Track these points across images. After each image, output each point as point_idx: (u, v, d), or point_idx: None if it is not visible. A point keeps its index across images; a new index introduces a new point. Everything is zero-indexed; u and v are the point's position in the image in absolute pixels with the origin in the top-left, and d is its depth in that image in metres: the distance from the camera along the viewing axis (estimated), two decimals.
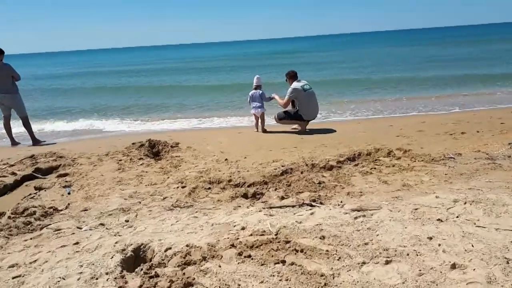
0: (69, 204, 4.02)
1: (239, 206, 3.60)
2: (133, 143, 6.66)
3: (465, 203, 3.24)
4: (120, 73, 29.37)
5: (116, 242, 2.92)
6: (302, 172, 4.62)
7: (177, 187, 4.29)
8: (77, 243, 2.98)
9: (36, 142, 8.06)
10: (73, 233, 3.20)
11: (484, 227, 2.72)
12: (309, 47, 65.78)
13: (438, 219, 2.94)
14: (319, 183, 4.07)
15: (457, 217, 2.96)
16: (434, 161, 4.72)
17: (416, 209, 3.22)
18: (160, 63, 41.16)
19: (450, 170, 4.31)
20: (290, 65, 25.93)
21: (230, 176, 4.57)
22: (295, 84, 7.31)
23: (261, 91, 7.52)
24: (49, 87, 21.59)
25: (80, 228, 3.30)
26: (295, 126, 7.59)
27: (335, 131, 7.22)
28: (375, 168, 4.54)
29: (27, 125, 8.05)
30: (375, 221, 3.01)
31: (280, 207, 3.46)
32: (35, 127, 8.86)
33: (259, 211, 3.40)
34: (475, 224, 2.80)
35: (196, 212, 3.52)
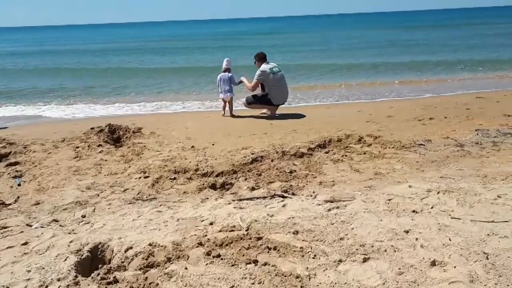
0: (18, 197, 3.67)
1: (207, 198, 3.41)
2: (91, 128, 6.27)
3: (438, 192, 3.22)
4: (82, 52, 27.80)
5: (70, 242, 2.66)
6: (272, 160, 4.47)
7: (139, 178, 4.03)
8: (26, 243, 2.69)
9: None
10: (22, 232, 2.90)
11: (459, 219, 2.68)
12: (286, 27, 65.52)
13: (413, 211, 2.88)
14: (290, 172, 3.94)
15: (432, 208, 2.92)
16: (404, 148, 4.70)
17: (390, 199, 3.16)
18: (124, 42, 39.39)
19: (421, 158, 4.30)
20: (260, 47, 25.69)
21: (197, 165, 4.36)
22: (264, 67, 7.09)
23: (230, 74, 7.25)
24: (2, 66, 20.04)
25: (30, 226, 2.99)
26: (264, 110, 7.41)
27: (304, 116, 7.11)
28: (346, 156, 4.46)
29: None
30: (349, 213, 2.92)
31: (251, 198, 3.29)
32: None
33: (229, 203, 3.23)
34: (450, 215, 2.75)
35: (160, 205, 3.29)
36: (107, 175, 4.22)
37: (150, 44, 34.00)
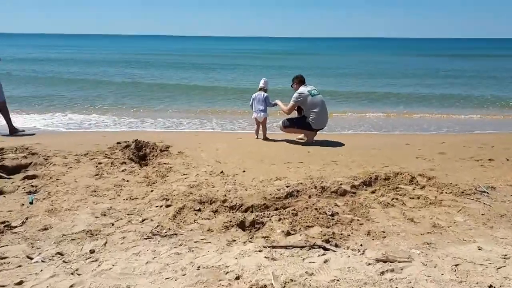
0: (27, 218, 3.37)
1: (234, 241, 2.96)
2: (117, 143, 6.02)
3: None
4: (121, 62, 28.43)
5: (71, 286, 2.27)
6: (310, 197, 4.00)
7: (161, 206, 3.64)
8: (20, 282, 2.33)
9: (13, 131, 7.39)
10: (20, 266, 2.55)
11: None
12: (305, 48, 65.55)
13: (490, 286, 2.31)
14: (332, 214, 3.44)
15: None
16: (464, 194, 4.10)
17: (457, 265, 2.60)
18: (158, 55, 40.19)
19: (487, 209, 3.69)
20: (291, 68, 25.55)
21: (225, 195, 3.94)
22: (302, 89, 6.69)
23: (266, 94, 6.88)
24: (30, 73, 20.33)
25: (31, 258, 2.64)
26: (301, 136, 6.97)
27: (344, 145, 6.60)
28: (397, 199, 3.91)
29: (3, 111, 7.37)
30: (408, 280, 2.39)
31: (286, 247, 2.82)
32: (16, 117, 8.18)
33: (259, 250, 2.77)
34: None
35: (180, 245, 2.87)
36: (127, 199, 3.87)
37: (177, 59, 34.22)
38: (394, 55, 45.38)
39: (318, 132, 6.84)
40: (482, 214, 3.57)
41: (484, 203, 3.84)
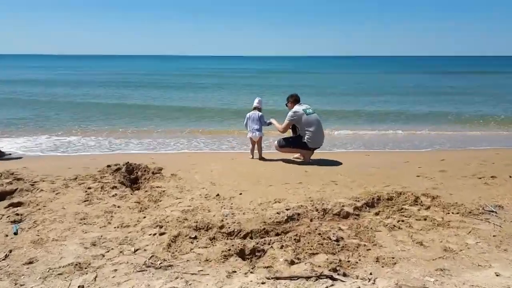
0: (10, 251, 3.14)
1: (234, 272, 2.76)
2: (108, 166, 5.82)
3: None
4: (108, 83, 28.28)
5: None
6: (311, 220, 3.83)
7: (154, 234, 3.44)
8: None
9: None
10: None
11: None
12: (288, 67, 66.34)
13: None
14: (337, 240, 3.27)
15: None
16: (472, 214, 3.96)
17: None
18: (156, 75, 40.15)
19: (497, 230, 3.55)
20: (276, 87, 25.65)
21: (222, 220, 3.75)
22: (296, 108, 6.59)
23: (260, 113, 6.77)
24: (19, 95, 20.04)
25: None
26: (297, 155, 6.83)
27: (342, 164, 6.46)
28: (402, 221, 3.75)
29: None
30: None
31: (291, 278, 2.63)
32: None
33: (262, 283, 2.58)
34: None
35: (176, 278, 2.67)
36: (118, 227, 3.66)
37: (161, 79, 34.14)
38: (381, 73, 46.01)
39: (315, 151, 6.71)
40: (493, 236, 3.43)
41: (494, 224, 3.70)
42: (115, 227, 3.65)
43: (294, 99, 6.75)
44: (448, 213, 4.01)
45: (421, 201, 4.31)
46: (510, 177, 5.51)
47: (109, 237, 3.41)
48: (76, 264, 2.87)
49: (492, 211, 4.04)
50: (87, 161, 6.67)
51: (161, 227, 3.60)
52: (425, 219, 3.80)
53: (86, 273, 2.75)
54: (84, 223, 3.74)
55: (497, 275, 2.68)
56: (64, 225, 3.69)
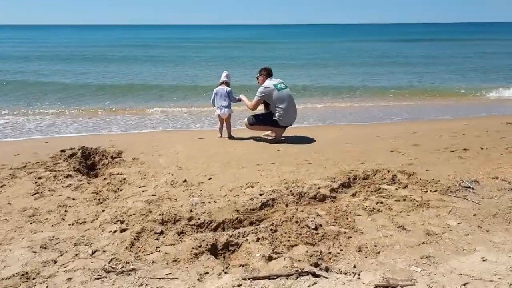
0: None
1: (207, 273, 2.51)
2: (61, 151, 5.37)
3: None
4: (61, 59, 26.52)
5: None
6: (287, 205, 3.63)
7: (114, 231, 3.11)
8: None
9: None
10: None
11: None
12: (267, 36, 65.30)
13: None
14: (316, 228, 3.07)
15: None
16: (450, 192, 3.89)
17: (466, 284, 2.31)
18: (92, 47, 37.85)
19: (477, 209, 3.48)
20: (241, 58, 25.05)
21: (191, 211, 3.47)
22: (267, 83, 6.24)
23: (229, 89, 6.41)
24: None
25: None
26: (268, 132, 6.57)
27: (315, 140, 6.28)
28: (381, 203, 3.61)
29: None
30: None
31: (269, 277, 2.41)
32: None
33: (238, 285, 2.34)
34: None
35: (141, 285, 2.39)
36: (73, 224, 3.30)
37: (113, 50, 32.39)
38: (351, 42, 46.13)
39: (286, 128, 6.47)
40: (474, 215, 3.35)
41: (473, 201, 3.64)
42: (69, 224, 3.29)
43: (267, 73, 6.38)
44: (426, 192, 3.92)
45: (398, 179, 4.19)
46: (482, 148, 5.52)
47: (62, 237, 3.06)
48: (23, 274, 2.51)
49: (469, 187, 3.99)
50: (39, 145, 6.14)
51: (122, 222, 3.27)
52: (404, 200, 3.68)
53: (35, 285, 2.42)
54: (34, 221, 3.36)
55: (484, 260, 2.58)
56: (9, 225, 3.29)
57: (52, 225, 3.28)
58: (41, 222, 3.34)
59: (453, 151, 5.45)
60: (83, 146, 5.33)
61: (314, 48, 35.58)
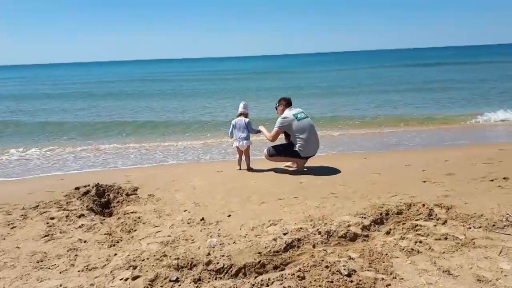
0: None
1: None
2: (76, 188, 5.22)
3: None
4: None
5: None
6: (314, 246, 3.33)
7: (126, 279, 2.86)
8: None
9: None
10: None
11: None
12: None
13: None
14: (349, 274, 2.75)
15: None
16: (496, 228, 3.51)
17: None
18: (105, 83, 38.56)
19: None
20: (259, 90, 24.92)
21: (209, 253, 3.20)
22: (286, 113, 6.03)
23: (247, 120, 6.23)
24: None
25: None
26: (289, 163, 6.31)
27: (339, 171, 5.97)
28: (420, 242, 3.26)
29: None
30: None
31: None
32: None
33: None
34: None
35: None
36: (82, 270, 3.07)
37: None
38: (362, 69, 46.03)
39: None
40: None
41: None
42: (79, 271, 3.06)
43: (286, 102, 6.20)
44: (470, 228, 3.55)
45: (436, 214, 3.84)
46: None
47: (70, 286, 2.82)
48: None
49: None
50: (53, 182, 6.02)
51: (134, 268, 3.02)
52: (445, 238, 3.32)
53: None
54: (41, 267, 3.14)
55: None
56: (15, 272, 3.08)
57: (60, 272, 3.06)
58: (49, 268, 3.13)
59: (492, 180, 5.05)
60: (97, 183, 5.17)
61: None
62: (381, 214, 3.89)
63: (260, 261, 3.08)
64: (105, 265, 3.14)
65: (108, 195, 4.96)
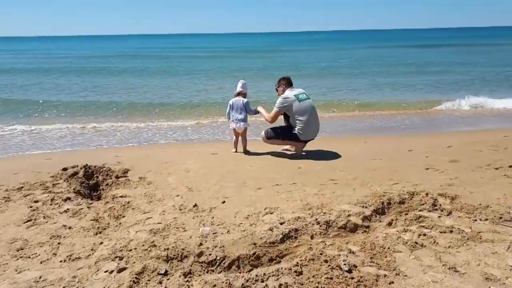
0: None
1: None
2: (63, 169, 5.02)
3: None
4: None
5: None
6: (312, 237, 3.17)
7: (111, 271, 2.70)
8: None
9: None
10: None
11: None
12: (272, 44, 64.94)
13: None
14: (349, 270, 2.60)
15: None
16: (504, 221, 3.36)
17: None
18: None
19: None
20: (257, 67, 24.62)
21: (201, 243, 3.04)
22: (287, 93, 5.79)
23: (245, 100, 5.99)
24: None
25: None
26: (287, 146, 6.12)
27: (339, 156, 5.79)
28: (425, 235, 3.11)
29: None
30: None
31: None
32: None
33: None
34: None
35: None
36: (65, 260, 2.90)
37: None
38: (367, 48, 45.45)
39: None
40: None
41: None
42: (61, 261, 2.89)
43: (287, 82, 5.95)
44: (475, 220, 3.39)
45: (440, 205, 3.68)
46: None
47: (50, 278, 2.66)
48: None
49: None
50: (41, 162, 5.82)
51: (121, 258, 2.86)
52: (450, 231, 3.17)
53: None
54: (21, 256, 2.97)
55: None
56: None
57: (41, 262, 2.89)
58: (29, 257, 2.96)
59: (497, 169, 4.90)
60: (86, 164, 4.97)
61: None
62: (382, 203, 3.73)
63: (255, 252, 2.93)
64: (90, 255, 2.97)
65: (97, 177, 4.77)
